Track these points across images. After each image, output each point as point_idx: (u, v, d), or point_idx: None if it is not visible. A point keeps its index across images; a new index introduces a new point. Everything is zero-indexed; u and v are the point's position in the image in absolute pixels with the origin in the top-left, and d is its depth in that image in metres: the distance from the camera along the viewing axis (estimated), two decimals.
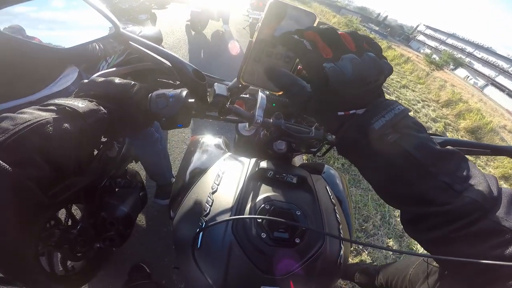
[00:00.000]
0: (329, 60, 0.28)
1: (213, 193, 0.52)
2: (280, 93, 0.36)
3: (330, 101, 0.29)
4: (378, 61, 0.29)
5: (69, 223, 0.94)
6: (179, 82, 0.54)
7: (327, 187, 0.64)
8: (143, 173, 1.55)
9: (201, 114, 0.50)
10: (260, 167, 0.54)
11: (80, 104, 0.34)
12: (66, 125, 0.31)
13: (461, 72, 37.15)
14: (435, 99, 8.84)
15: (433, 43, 45.48)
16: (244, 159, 0.60)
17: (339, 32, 0.29)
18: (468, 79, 34.91)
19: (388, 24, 60.39)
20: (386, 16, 65.75)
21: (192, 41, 4.58)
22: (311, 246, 0.46)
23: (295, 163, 0.78)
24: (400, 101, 6.50)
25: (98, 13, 0.44)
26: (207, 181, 0.56)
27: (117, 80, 0.42)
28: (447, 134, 6.53)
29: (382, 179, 0.29)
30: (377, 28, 43.40)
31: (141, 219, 1.55)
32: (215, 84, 0.48)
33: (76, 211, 1.03)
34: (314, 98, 0.30)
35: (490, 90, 33.77)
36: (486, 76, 35.89)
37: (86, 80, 0.42)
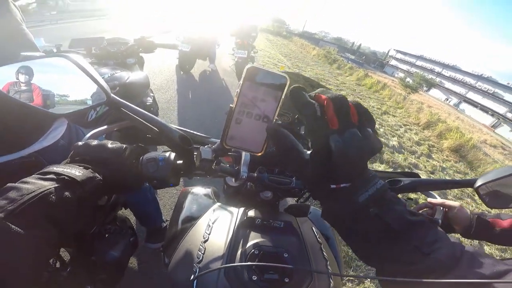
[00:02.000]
0: (334, 131, 0.30)
1: (205, 241, 0.55)
2: (260, 154, 0.38)
3: (326, 173, 0.31)
4: (376, 139, 0.32)
5: (57, 265, 0.92)
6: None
7: (313, 227, 0.68)
8: (132, 218, 1.55)
9: (189, 174, 0.52)
10: (248, 216, 0.58)
11: (77, 173, 0.37)
12: (66, 193, 0.34)
13: (435, 92, 39.76)
14: (416, 122, 9.26)
15: (405, 67, 48.96)
16: (233, 209, 0.64)
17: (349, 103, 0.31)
18: (448, 101, 37.21)
19: (362, 52, 65.06)
20: (360, 45, 71.18)
21: (180, 81, 4.70)
22: (300, 284, 0.49)
23: (286, 201, 0.83)
24: (383, 128, 6.78)
25: (91, 80, 0.47)
26: (199, 230, 0.60)
27: (109, 144, 0.45)
28: (433, 156, 6.74)
29: (360, 242, 0.33)
30: (353, 57, 46.59)
31: (132, 261, 1.54)
32: (201, 148, 0.51)
33: (64, 253, 1.03)
34: (311, 167, 0.32)
35: (464, 107, 36.05)
36: (458, 93, 38.52)
37: (81, 143, 0.44)
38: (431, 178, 0.62)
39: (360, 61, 47.74)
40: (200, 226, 0.62)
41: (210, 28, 5.03)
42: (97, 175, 0.40)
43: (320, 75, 11.06)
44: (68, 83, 0.51)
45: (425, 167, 5.71)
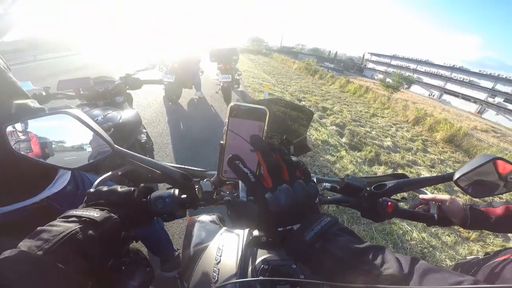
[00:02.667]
0: (268, 189, 0.37)
1: (217, 263, 0.60)
2: (253, 180, 0.41)
3: (271, 220, 0.37)
4: (306, 188, 0.38)
5: None
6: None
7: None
8: (144, 250, 1.58)
9: (194, 206, 0.57)
10: (253, 235, 0.61)
11: (96, 214, 0.42)
12: (90, 232, 0.39)
13: (416, 88, 41.24)
14: (404, 119, 9.47)
15: (382, 68, 50.96)
16: (239, 231, 0.68)
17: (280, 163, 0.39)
18: (432, 95, 38.55)
19: (340, 59, 67.67)
20: (336, 52, 74.14)
21: (170, 112, 4.66)
22: None
23: None
24: (374, 130, 6.87)
25: (94, 134, 0.50)
26: (210, 254, 0.64)
27: (119, 188, 0.50)
28: (428, 150, 6.80)
29: (321, 274, 0.36)
30: (332, 66, 48.28)
31: None
32: (201, 182, 0.58)
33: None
34: (260, 217, 0.39)
35: (450, 99, 37.35)
36: (437, 86, 40.07)
37: (92, 190, 0.50)
38: (414, 177, 0.64)
39: (340, 68, 49.54)
40: (211, 250, 0.66)
41: (191, 56, 5.07)
42: (113, 215, 0.45)
43: (305, 88, 11.31)
44: (72, 137, 0.54)
45: (424, 162, 5.73)
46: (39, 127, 0.53)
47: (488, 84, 33.58)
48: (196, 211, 0.76)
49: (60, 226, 0.38)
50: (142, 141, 1.95)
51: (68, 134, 0.54)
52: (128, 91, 2.01)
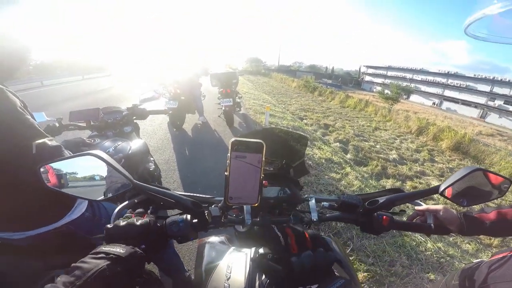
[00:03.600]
0: (294, 254, 0.45)
1: (228, 279, 0.65)
2: (256, 204, 0.49)
3: (294, 280, 0.44)
4: (327, 255, 0.46)
5: None
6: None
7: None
8: (156, 271, 1.63)
9: (205, 229, 0.63)
10: (259, 253, 0.65)
11: (121, 250, 0.46)
12: (117, 268, 0.44)
13: (415, 98, 41.52)
14: (408, 131, 9.46)
15: (379, 80, 51.61)
16: (246, 250, 0.74)
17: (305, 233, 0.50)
18: (436, 105, 38.53)
19: (337, 74, 69.01)
20: (333, 68, 75.84)
21: (174, 139, 4.73)
22: None
23: None
24: (378, 144, 6.86)
25: (116, 171, 0.56)
26: (221, 271, 0.70)
27: (136, 222, 0.55)
28: (435, 159, 6.72)
29: None
30: (330, 81, 49.19)
31: None
32: (210, 208, 0.65)
33: None
34: (284, 277, 0.45)
35: (447, 105, 37.35)
36: (436, 94, 40.27)
37: (110, 225, 0.55)
38: (404, 192, 0.71)
39: (338, 83, 50.29)
40: (221, 268, 0.71)
41: (193, 81, 5.18)
42: (137, 249, 0.49)
43: (305, 106, 11.48)
44: (94, 173, 0.61)
45: (433, 172, 5.64)
46: (64, 165, 0.60)
47: (485, 87, 33.67)
48: (206, 233, 0.79)
49: (91, 263, 0.43)
50: (151, 169, 2.01)
51: (88, 171, 0.62)
52: (135, 121, 2.08)
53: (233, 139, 0.45)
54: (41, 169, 0.58)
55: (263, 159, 0.46)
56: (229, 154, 0.46)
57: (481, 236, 3.15)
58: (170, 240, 0.63)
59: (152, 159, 2.17)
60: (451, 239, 2.77)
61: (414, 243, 2.39)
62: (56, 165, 0.59)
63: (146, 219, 0.56)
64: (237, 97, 6.04)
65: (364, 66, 58.09)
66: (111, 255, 0.45)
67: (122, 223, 0.53)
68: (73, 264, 0.42)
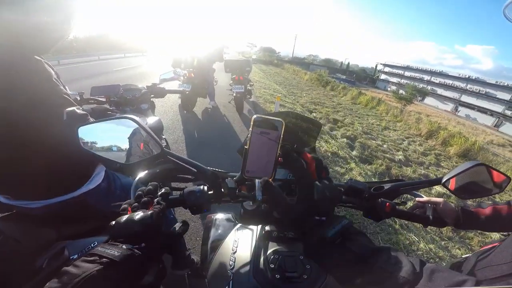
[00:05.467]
0: (315, 180, 0.45)
1: (234, 253, 0.69)
2: (271, 178, 0.51)
3: (310, 208, 0.44)
4: (338, 189, 0.47)
5: None
6: (193, 177, 0.69)
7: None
8: None
9: (218, 201, 0.65)
10: (265, 230, 0.70)
11: (116, 252, 0.42)
12: (107, 274, 0.39)
13: (430, 100, 40.33)
14: (417, 133, 9.30)
15: (395, 79, 50.08)
16: (253, 227, 0.77)
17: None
18: (457, 110, 37.14)
19: (352, 70, 67.24)
20: (348, 63, 73.86)
21: (185, 121, 4.83)
22: (317, 280, 0.58)
23: None
24: (385, 143, 6.81)
25: (148, 136, 0.60)
26: (227, 245, 0.73)
27: (136, 217, 0.47)
28: (441, 164, 6.67)
29: (336, 269, 0.41)
30: (344, 77, 48.02)
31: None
32: (226, 180, 0.66)
33: None
34: (298, 205, 0.45)
35: (462, 111, 36.17)
36: (452, 98, 39.02)
37: (113, 222, 0.49)
38: (409, 181, 0.74)
39: (352, 79, 49.15)
40: (228, 242, 0.75)
41: (207, 66, 5.26)
42: (135, 250, 0.44)
43: (316, 99, 11.38)
44: (126, 138, 0.62)
45: (436, 177, 5.61)
46: (98, 129, 0.62)
47: (505, 95, 32.43)
48: (213, 211, 0.84)
49: (81, 268, 0.39)
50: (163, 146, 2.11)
51: (121, 136, 0.61)
52: (152, 99, 2.17)
53: (255, 116, 0.49)
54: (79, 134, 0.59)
55: (281, 136, 0.49)
56: (250, 129, 0.49)
57: (472, 242, 3.21)
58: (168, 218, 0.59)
59: (164, 137, 2.25)
60: (443, 243, 2.84)
61: (408, 242, 2.46)
62: (92, 127, 0.61)
63: (149, 212, 0.49)
64: (248, 85, 6.07)
65: (381, 64, 56.33)
66: (105, 259, 0.40)
67: (122, 220, 0.48)
68: (64, 268, 0.39)
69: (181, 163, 0.66)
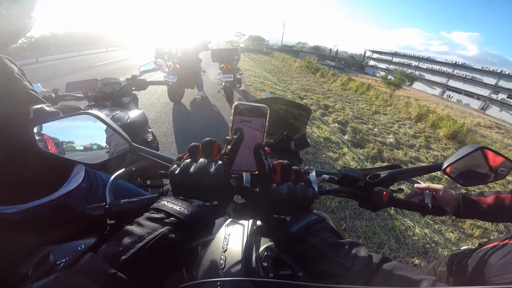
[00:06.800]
0: (276, 182, 0.44)
1: (224, 251, 0.64)
2: (256, 172, 0.46)
3: (271, 207, 0.44)
4: (306, 189, 0.45)
5: None
6: None
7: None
8: None
9: None
10: (257, 225, 0.66)
11: (186, 211, 0.37)
12: (175, 235, 0.35)
13: (418, 85, 40.96)
14: (407, 116, 9.42)
15: (383, 65, 50.52)
16: (243, 222, 0.72)
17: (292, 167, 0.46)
18: (449, 97, 37.76)
19: (341, 57, 67.28)
20: (337, 50, 73.75)
21: (173, 113, 4.70)
22: None
23: None
24: (376, 127, 6.86)
25: (113, 131, 0.54)
26: (218, 243, 0.68)
27: (211, 169, 0.41)
28: (431, 146, 6.79)
29: (301, 262, 0.42)
30: (333, 63, 48.09)
31: None
32: None
33: None
34: (262, 205, 0.45)
35: (462, 99, 36.90)
36: (439, 83, 39.75)
37: (177, 172, 0.42)
38: (406, 168, 0.69)
39: (341, 66, 49.25)
40: (218, 239, 0.69)
41: (193, 56, 5.08)
42: (199, 209, 0.39)
43: (306, 86, 11.31)
44: (89, 137, 0.57)
45: (427, 159, 5.72)
46: (58, 127, 0.56)
47: (491, 80, 33.27)
48: None
49: (145, 228, 0.34)
50: (149, 140, 2.00)
51: (85, 134, 0.57)
52: (134, 92, 2.06)
53: (236, 102, 0.43)
54: (37, 136, 0.54)
55: (267, 124, 0.44)
56: (231, 118, 0.43)
57: (464, 226, 3.28)
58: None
59: (150, 130, 2.15)
60: (436, 226, 2.89)
61: (403, 227, 2.48)
62: (50, 125, 0.55)
63: (220, 162, 0.43)
64: (237, 74, 5.94)
65: (369, 50, 56.50)
66: (172, 217, 0.36)
67: (191, 169, 0.41)
68: (126, 227, 0.34)
69: (155, 159, 0.59)
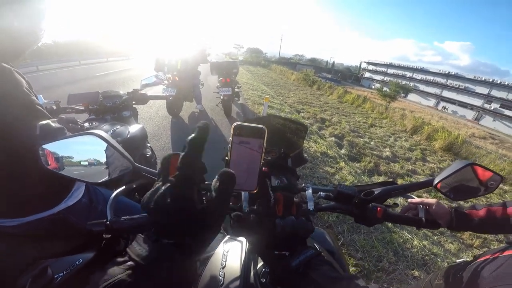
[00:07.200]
0: (279, 216, 0.45)
1: (223, 268, 0.65)
2: (255, 191, 0.46)
3: (273, 242, 0.44)
4: (306, 223, 0.46)
5: None
6: None
7: (315, 243, 0.79)
8: None
9: None
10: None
11: (144, 252, 0.33)
12: (136, 278, 0.32)
13: (413, 97, 41.64)
14: (403, 129, 9.54)
15: (378, 77, 51.46)
16: (242, 239, 0.73)
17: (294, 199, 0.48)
18: (444, 109, 38.29)
19: (337, 69, 68.56)
20: (333, 62, 75.24)
21: (171, 126, 4.72)
22: None
23: None
24: (372, 141, 6.93)
25: (117, 152, 0.56)
26: (216, 260, 0.69)
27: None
28: (427, 158, 6.85)
29: None
30: (329, 76, 48.91)
31: None
32: (208, 194, 0.60)
33: None
34: (263, 238, 0.44)
35: (458, 110, 37.47)
36: (433, 94, 40.45)
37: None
38: (400, 184, 0.71)
39: (337, 78, 50.02)
40: (217, 256, 0.71)
41: (192, 69, 5.12)
42: (159, 250, 0.34)
43: (303, 99, 11.46)
44: (92, 155, 0.58)
45: (423, 171, 5.76)
46: (64, 144, 0.57)
47: (483, 90, 33.95)
48: None
49: (107, 274, 0.32)
50: (148, 155, 2.02)
51: (87, 151, 0.58)
52: (134, 105, 2.07)
53: (235, 123, 0.44)
54: (40, 151, 0.55)
55: (264, 144, 0.45)
56: (230, 139, 0.44)
57: (464, 236, 3.28)
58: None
59: (149, 145, 2.17)
60: (435, 238, 2.89)
61: (402, 240, 2.48)
62: (56, 145, 0.56)
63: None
64: (236, 87, 6.01)
65: (364, 62, 57.69)
66: (131, 262, 0.33)
67: (158, 196, 0.36)
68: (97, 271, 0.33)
69: (155, 178, 0.59)
